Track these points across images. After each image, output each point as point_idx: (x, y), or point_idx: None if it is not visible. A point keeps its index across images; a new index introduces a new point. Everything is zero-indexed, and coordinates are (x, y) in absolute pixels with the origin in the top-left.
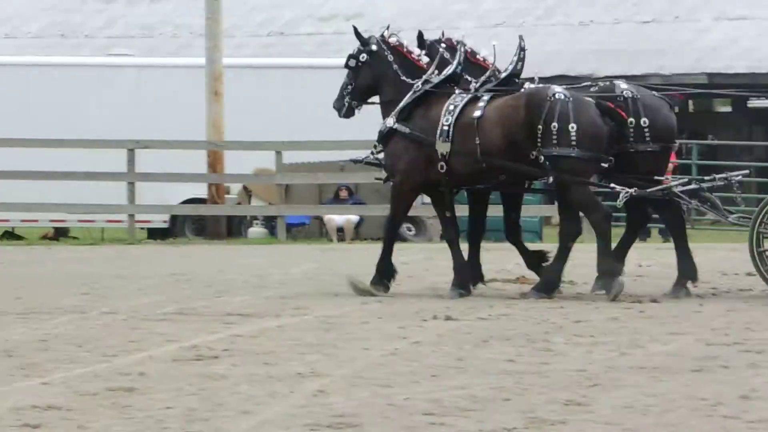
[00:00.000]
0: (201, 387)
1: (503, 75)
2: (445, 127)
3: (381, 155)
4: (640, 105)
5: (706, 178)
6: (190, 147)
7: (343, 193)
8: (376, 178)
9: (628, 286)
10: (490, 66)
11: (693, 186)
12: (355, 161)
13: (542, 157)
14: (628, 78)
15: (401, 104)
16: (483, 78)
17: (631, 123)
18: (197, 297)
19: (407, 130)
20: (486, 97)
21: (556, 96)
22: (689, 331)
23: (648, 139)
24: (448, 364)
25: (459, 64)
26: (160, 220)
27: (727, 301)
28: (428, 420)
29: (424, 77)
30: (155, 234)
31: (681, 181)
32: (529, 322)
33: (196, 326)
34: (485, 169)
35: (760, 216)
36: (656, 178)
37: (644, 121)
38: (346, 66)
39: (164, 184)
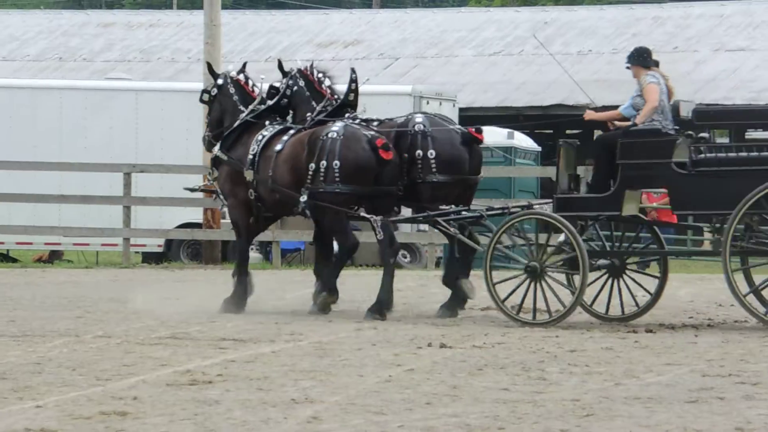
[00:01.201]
0: (194, 412)
1: (331, 107)
2: (251, 157)
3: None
4: (429, 138)
5: (495, 207)
6: (187, 171)
7: None
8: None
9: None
10: (329, 97)
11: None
12: (192, 189)
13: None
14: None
15: (226, 132)
16: (318, 107)
17: (419, 155)
18: (191, 322)
19: (226, 158)
20: (292, 131)
21: (329, 135)
22: (684, 361)
23: (434, 170)
24: (442, 392)
25: (284, 96)
26: (155, 244)
27: (722, 332)
28: None
29: (250, 107)
30: (150, 258)
31: (449, 210)
32: (524, 350)
33: (190, 351)
34: (281, 199)
35: (492, 243)
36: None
37: (431, 153)
38: (201, 101)
39: (160, 209)
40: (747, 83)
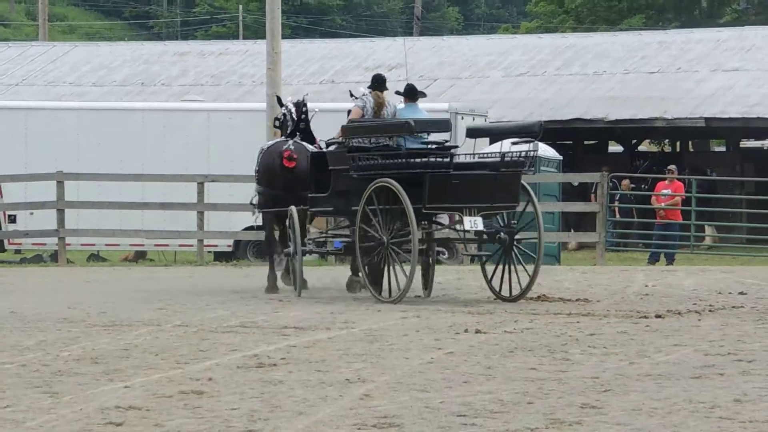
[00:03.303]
0: (262, 391)
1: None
2: None
3: None
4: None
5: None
6: (252, 181)
7: None
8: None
9: (635, 304)
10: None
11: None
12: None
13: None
14: (635, 121)
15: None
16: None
17: None
18: (258, 312)
19: None
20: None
21: (263, 147)
22: (689, 343)
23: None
24: (478, 372)
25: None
26: (225, 245)
27: (722, 317)
28: (461, 421)
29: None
30: (221, 256)
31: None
32: (549, 335)
33: (257, 338)
34: None
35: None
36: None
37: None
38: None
39: (229, 213)
40: (741, 99)
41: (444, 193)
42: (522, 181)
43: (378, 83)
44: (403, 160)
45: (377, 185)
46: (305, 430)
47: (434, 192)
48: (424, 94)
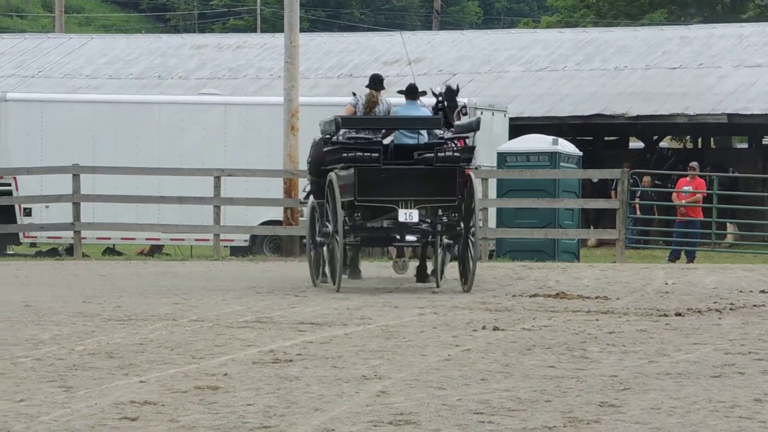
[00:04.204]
0: (277, 387)
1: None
2: None
3: None
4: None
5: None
6: (269, 175)
7: None
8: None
9: (655, 301)
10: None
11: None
12: None
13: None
14: (656, 117)
15: None
16: None
17: None
18: (274, 307)
19: None
20: None
21: (315, 140)
22: (709, 341)
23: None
24: (495, 370)
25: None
26: (241, 239)
27: (743, 315)
28: (478, 418)
29: None
30: (237, 251)
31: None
32: (567, 332)
33: (273, 333)
34: None
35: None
36: None
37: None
38: None
39: (246, 208)
40: (763, 95)
41: (375, 186)
42: (472, 175)
43: (374, 83)
44: (341, 155)
45: (328, 179)
46: (321, 427)
47: (364, 185)
48: (424, 93)
